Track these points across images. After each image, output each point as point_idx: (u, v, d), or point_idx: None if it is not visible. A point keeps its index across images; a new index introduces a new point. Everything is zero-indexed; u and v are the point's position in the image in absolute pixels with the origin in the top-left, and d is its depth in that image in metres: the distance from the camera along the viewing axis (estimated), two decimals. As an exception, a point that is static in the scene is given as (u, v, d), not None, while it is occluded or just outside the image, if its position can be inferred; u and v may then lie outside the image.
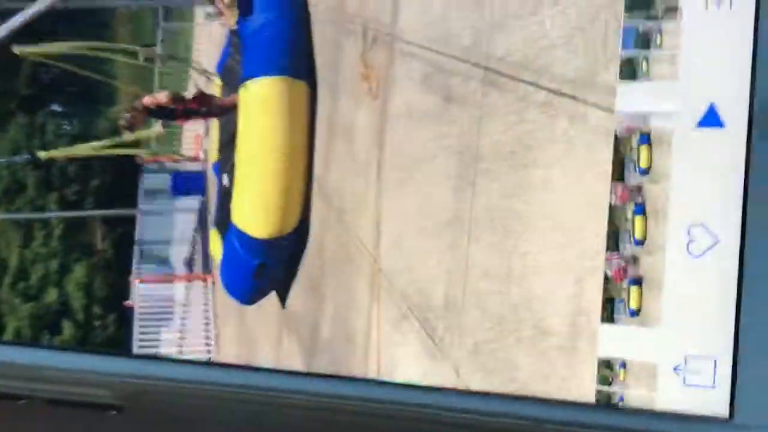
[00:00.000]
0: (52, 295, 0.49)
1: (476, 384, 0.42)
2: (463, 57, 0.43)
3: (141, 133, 0.48)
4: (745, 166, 0.39)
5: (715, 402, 0.39)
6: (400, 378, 0.43)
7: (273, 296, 0.46)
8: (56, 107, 0.51)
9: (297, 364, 0.46)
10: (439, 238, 0.44)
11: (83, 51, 0.49)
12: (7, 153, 0.50)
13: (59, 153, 0.49)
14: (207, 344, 0.46)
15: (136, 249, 0.48)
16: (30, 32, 0.51)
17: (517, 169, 0.43)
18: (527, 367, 0.42)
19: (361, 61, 0.45)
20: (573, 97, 0.42)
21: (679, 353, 0.40)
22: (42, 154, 0.49)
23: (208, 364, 0.45)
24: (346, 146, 0.45)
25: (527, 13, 0.43)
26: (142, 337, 0.47)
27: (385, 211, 0.44)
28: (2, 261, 0.50)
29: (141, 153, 0.48)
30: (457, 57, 0.43)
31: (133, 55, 0.49)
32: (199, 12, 0.47)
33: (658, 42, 0.41)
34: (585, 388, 0.40)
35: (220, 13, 0.48)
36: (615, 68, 0.41)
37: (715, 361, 0.39)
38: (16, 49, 0.51)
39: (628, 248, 0.41)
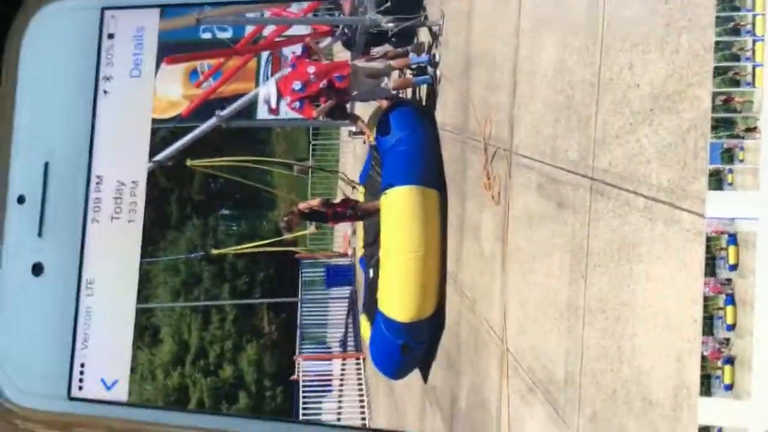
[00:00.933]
0: (227, 371, 0.55)
1: (594, 448, 0.46)
2: (571, 169, 0.48)
3: (298, 233, 0.54)
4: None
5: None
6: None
7: (416, 372, 0.51)
8: (225, 211, 0.57)
9: (439, 431, 0.51)
10: (557, 322, 0.48)
11: (247, 164, 0.56)
12: (185, 251, 0.56)
13: (229, 250, 0.56)
14: (362, 413, 0.51)
15: (298, 331, 0.53)
16: (200, 148, 0.57)
17: (623, 264, 0.47)
18: None
19: (484, 172, 0.50)
20: (669, 204, 0.46)
21: (767, 423, 0.44)
22: (214, 252, 0.56)
23: (365, 429, 0.50)
24: (473, 245, 0.50)
25: (625, 132, 0.48)
26: (305, 406, 0.53)
27: (510, 300, 0.48)
28: (185, 342, 0.56)
29: (299, 250, 0.53)
30: (566, 169, 0.48)
31: (289, 167, 0.55)
32: (344, 131, 0.53)
33: (740, 157, 0.46)
34: (688, 452, 0.44)
35: (361, 132, 0.54)
36: (704, 179, 0.45)
37: None
38: (189, 163, 0.57)
39: (721, 332, 0.45)
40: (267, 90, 0.59)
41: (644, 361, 0.46)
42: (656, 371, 0.46)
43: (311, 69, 0.59)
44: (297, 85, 0.60)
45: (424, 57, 0.54)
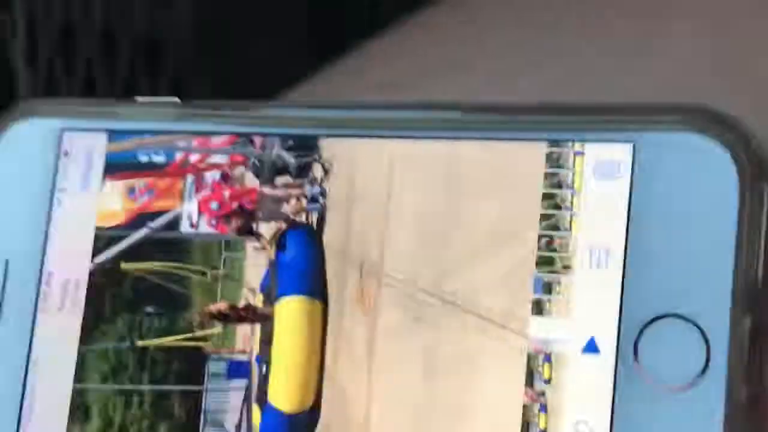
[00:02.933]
0: (142, 446, 0.58)
1: None
2: (427, 290, 0.52)
3: (207, 331, 0.57)
4: (613, 381, 0.47)
5: None
6: None
7: None
8: (150, 309, 0.61)
9: None
10: (413, 419, 0.52)
11: (170, 270, 0.59)
12: (115, 340, 0.60)
13: (150, 343, 0.59)
14: None
15: (202, 416, 0.56)
16: (133, 253, 0.61)
17: (463, 373, 0.51)
18: None
19: (358, 287, 0.54)
20: (500, 325, 0.50)
21: None
22: (139, 343, 0.59)
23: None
24: (347, 348, 0.53)
25: (470, 264, 0.52)
26: None
27: (374, 396, 0.52)
28: (110, 419, 0.59)
29: (206, 345, 0.57)
30: (423, 290, 0.52)
31: (204, 274, 0.59)
32: (250, 246, 0.57)
33: (558, 290, 0.50)
34: None
35: (263, 248, 0.57)
36: (528, 306, 0.49)
37: None
38: (123, 266, 0.61)
39: None
40: (190, 208, 0.63)
41: (476, 456, 0.49)
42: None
43: (226, 193, 0.63)
44: (214, 205, 0.64)
45: (316, 188, 0.58)
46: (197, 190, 0.62)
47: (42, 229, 0.64)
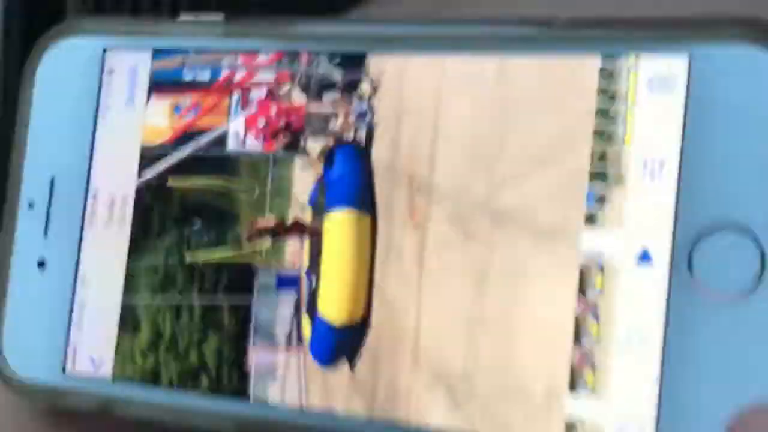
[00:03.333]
0: (193, 357, 0.58)
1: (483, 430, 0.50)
2: (477, 205, 0.52)
3: (256, 245, 0.57)
4: (666, 292, 0.47)
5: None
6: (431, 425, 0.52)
7: (346, 365, 0.54)
8: (197, 225, 0.60)
9: (361, 414, 0.54)
10: (461, 330, 0.52)
11: (218, 186, 0.59)
12: (163, 255, 0.60)
13: (200, 257, 0.59)
14: (299, 396, 0.54)
15: (251, 327, 0.56)
16: (177, 170, 0.60)
17: (514, 286, 0.51)
18: (517, 423, 0.49)
19: (408, 202, 0.54)
20: (553, 239, 0.50)
21: (618, 419, 0.47)
22: (188, 259, 0.59)
23: (299, 409, 0.53)
24: (397, 263, 0.53)
25: (522, 177, 0.52)
26: (256, 389, 0.56)
27: (424, 310, 0.52)
28: (159, 332, 0.60)
29: (256, 260, 0.57)
30: (472, 204, 0.52)
31: (252, 191, 0.58)
32: (298, 162, 0.56)
33: (610, 202, 0.49)
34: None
35: (311, 164, 0.57)
36: (582, 219, 0.49)
37: (642, 427, 0.46)
38: (171, 182, 0.60)
39: (588, 343, 0.48)
40: (237, 125, 0.62)
41: (527, 363, 0.50)
42: (535, 372, 0.49)
43: (273, 110, 0.62)
44: (261, 122, 0.63)
45: (364, 105, 0.57)
46: (243, 108, 0.62)
47: (88, 147, 0.63)
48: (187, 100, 0.62)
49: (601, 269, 0.47)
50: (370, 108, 0.56)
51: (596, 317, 0.47)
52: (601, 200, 0.48)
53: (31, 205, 0.63)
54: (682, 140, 0.46)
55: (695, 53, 0.46)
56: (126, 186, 0.61)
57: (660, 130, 0.47)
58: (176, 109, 0.62)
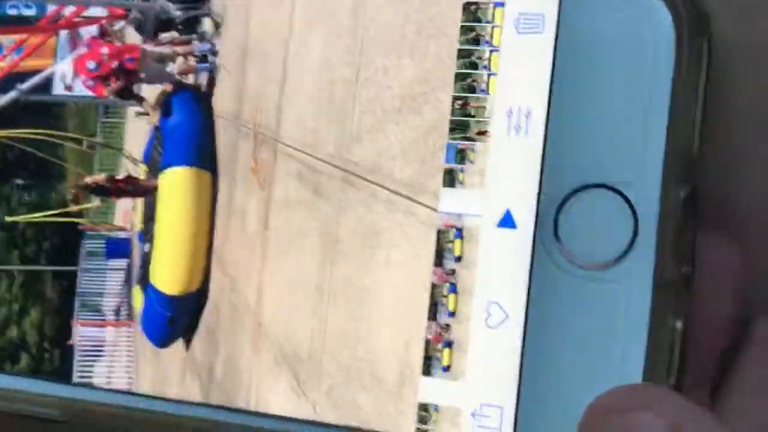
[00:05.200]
0: (13, 332, 0.51)
1: (329, 418, 0.45)
2: (327, 160, 0.46)
3: (83, 206, 0.50)
4: (531, 260, 0.42)
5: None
6: (272, 410, 0.46)
7: (180, 342, 0.48)
8: (19, 181, 0.53)
9: (196, 396, 0.48)
10: (306, 302, 0.46)
11: (42, 137, 0.52)
12: (-21, 215, 0.52)
13: (20, 219, 0.52)
14: (129, 377, 0.48)
15: (77, 299, 0.50)
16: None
17: (366, 251, 0.45)
18: (366, 407, 0.44)
19: (252, 157, 0.48)
20: (408, 197, 0.45)
21: (476, 402, 0.42)
22: (7, 219, 0.52)
23: (128, 393, 0.47)
24: (239, 226, 0.47)
25: (376, 130, 0.46)
26: (80, 368, 0.50)
27: (266, 279, 0.46)
28: (-26, 303, 0.52)
29: (83, 222, 0.50)
30: (322, 160, 0.46)
31: (79, 142, 0.51)
32: (131, 111, 0.49)
33: (471, 158, 0.44)
34: (407, 426, 0.43)
35: (146, 113, 0.50)
36: (439, 177, 0.44)
37: (502, 409, 0.42)
38: None
39: (443, 318, 0.43)
40: (63, 67, 0.55)
41: (377, 341, 0.44)
42: (386, 351, 0.44)
43: (105, 50, 0.55)
44: (91, 64, 0.56)
45: (206, 45, 0.51)
46: (72, 48, 0.54)
47: None
48: (9, 39, 0.54)
49: (460, 234, 0.42)
50: (213, 49, 0.50)
51: (454, 288, 0.42)
52: (462, 156, 0.42)
53: None
54: (551, 89, 0.41)
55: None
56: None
57: (527, 76, 0.41)
58: (-3, 48, 0.55)
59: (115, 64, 0.51)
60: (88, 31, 0.51)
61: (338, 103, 0.44)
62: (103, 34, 0.51)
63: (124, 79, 0.50)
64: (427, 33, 0.43)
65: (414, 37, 0.44)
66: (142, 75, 0.50)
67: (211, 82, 0.48)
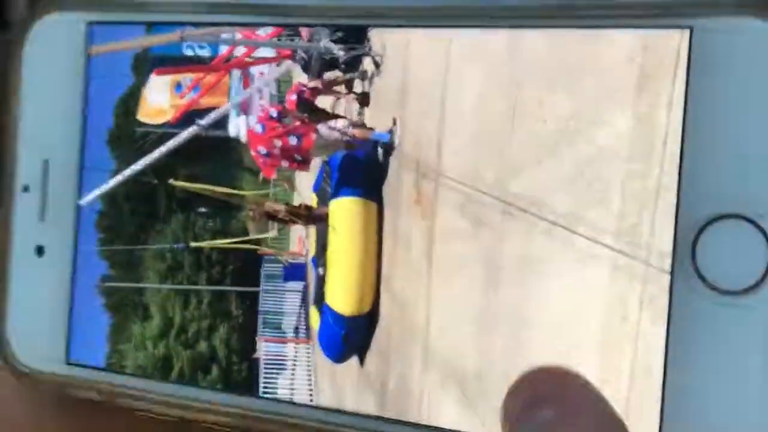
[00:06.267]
0: (203, 346, 0.56)
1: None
2: (487, 192, 0.48)
3: (262, 235, 0.55)
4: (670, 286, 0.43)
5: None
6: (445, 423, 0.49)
7: (355, 359, 0.52)
8: (202, 209, 0.58)
9: (370, 408, 0.52)
10: (471, 326, 0.49)
11: (221, 194, 0.56)
12: (170, 241, 0.57)
13: (205, 244, 0.56)
14: (309, 390, 0.52)
15: (259, 317, 0.54)
16: (182, 152, 0.57)
17: (526, 279, 0.47)
18: None
19: (415, 189, 0.50)
20: (567, 228, 0.46)
21: None
22: (193, 244, 0.56)
23: (310, 406, 0.51)
24: (404, 254, 0.50)
25: (534, 163, 0.48)
26: (265, 380, 0.54)
27: (433, 304, 0.49)
28: (170, 318, 0.58)
29: (262, 247, 0.54)
30: (483, 191, 0.48)
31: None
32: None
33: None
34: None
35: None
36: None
37: None
38: (173, 183, 0.57)
39: None
40: (238, 125, 0.59)
41: (539, 360, 0.47)
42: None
43: (278, 143, 0.58)
44: (262, 150, 0.59)
45: (385, 134, 0.52)
46: (245, 86, 0.59)
47: (79, 126, 0.60)
48: (188, 78, 0.59)
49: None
50: (391, 137, 0.52)
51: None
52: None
53: (26, 189, 0.61)
54: (684, 122, 0.41)
55: (695, 25, 0.41)
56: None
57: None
58: (177, 87, 0.59)
59: (285, 162, 0.54)
60: (259, 71, 0.55)
61: (498, 139, 0.46)
62: (281, 114, 0.54)
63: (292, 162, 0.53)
64: (582, 68, 0.45)
65: (569, 72, 0.45)
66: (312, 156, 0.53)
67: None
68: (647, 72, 0.43)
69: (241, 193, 0.54)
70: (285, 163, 0.53)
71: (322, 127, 0.52)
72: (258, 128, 0.53)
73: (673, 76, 0.42)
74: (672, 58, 0.42)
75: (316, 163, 0.53)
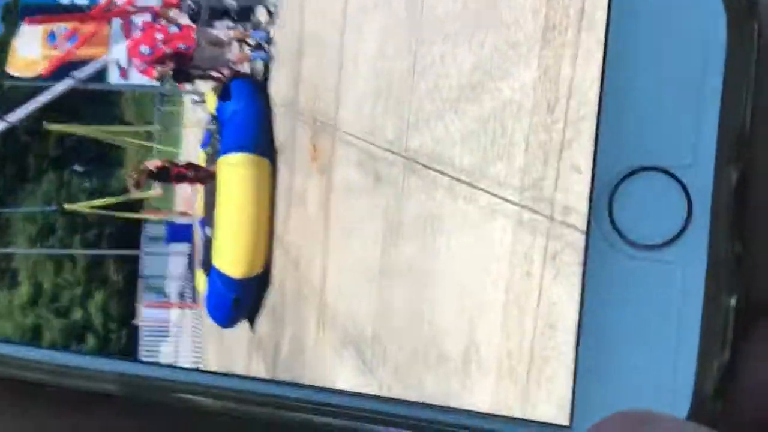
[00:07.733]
0: (77, 314, 0.52)
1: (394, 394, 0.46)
2: (387, 147, 0.47)
3: (143, 195, 0.51)
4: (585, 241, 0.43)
5: None
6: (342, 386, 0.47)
7: (245, 323, 0.49)
8: (78, 168, 0.53)
9: (261, 373, 0.49)
10: (370, 285, 0.47)
11: (99, 134, 0.52)
12: (41, 203, 0.53)
13: (81, 206, 0.52)
14: (195, 356, 0.49)
15: (140, 282, 0.51)
16: (55, 108, 0.53)
17: (428, 236, 0.46)
18: (431, 384, 0.45)
19: (311, 144, 0.48)
20: (468, 184, 0.45)
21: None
22: (68, 207, 0.52)
23: (196, 370, 0.48)
24: (299, 211, 0.48)
25: (435, 118, 0.46)
26: (146, 348, 0.51)
27: (330, 262, 0.47)
28: (40, 285, 0.53)
29: (144, 208, 0.51)
30: (383, 147, 0.47)
31: (138, 135, 0.52)
32: (187, 98, 0.50)
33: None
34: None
35: (203, 100, 0.50)
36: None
37: None
38: (48, 127, 0.53)
39: None
40: (118, 53, 0.55)
41: (441, 322, 0.45)
42: (451, 331, 0.45)
43: (159, 35, 0.55)
44: (145, 49, 0.56)
45: (261, 33, 0.51)
46: (126, 37, 0.54)
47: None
48: (62, 27, 0.54)
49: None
50: (267, 37, 0.50)
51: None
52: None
53: None
54: (603, 72, 0.41)
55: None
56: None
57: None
58: (50, 37, 0.55)
59: (169, 49, 0.51)
60: (142, 19, 0.52)
61: (396, 91, 0.45)
62: (157, 16, 0.51)
63: (176, 63, 0.50)
64: (484, 22, 0.44)
65: (472, 27, 0.44)
66: (198, 61, 0.50)
67: (266, 71, 0.48)
68: (551, 23, 0.42)
69: (122, 129, 0.50)
70: (169, 63, 0.49)
71: (203, 29, 0.49)
72: (137, 33, 0.50)
73: (577, 27, 0.41)
74: (577, 9, 0.41)
75: (201, 118, 0.50)
